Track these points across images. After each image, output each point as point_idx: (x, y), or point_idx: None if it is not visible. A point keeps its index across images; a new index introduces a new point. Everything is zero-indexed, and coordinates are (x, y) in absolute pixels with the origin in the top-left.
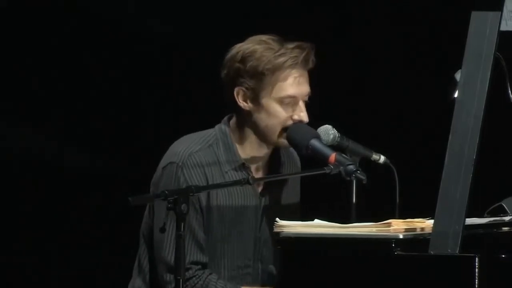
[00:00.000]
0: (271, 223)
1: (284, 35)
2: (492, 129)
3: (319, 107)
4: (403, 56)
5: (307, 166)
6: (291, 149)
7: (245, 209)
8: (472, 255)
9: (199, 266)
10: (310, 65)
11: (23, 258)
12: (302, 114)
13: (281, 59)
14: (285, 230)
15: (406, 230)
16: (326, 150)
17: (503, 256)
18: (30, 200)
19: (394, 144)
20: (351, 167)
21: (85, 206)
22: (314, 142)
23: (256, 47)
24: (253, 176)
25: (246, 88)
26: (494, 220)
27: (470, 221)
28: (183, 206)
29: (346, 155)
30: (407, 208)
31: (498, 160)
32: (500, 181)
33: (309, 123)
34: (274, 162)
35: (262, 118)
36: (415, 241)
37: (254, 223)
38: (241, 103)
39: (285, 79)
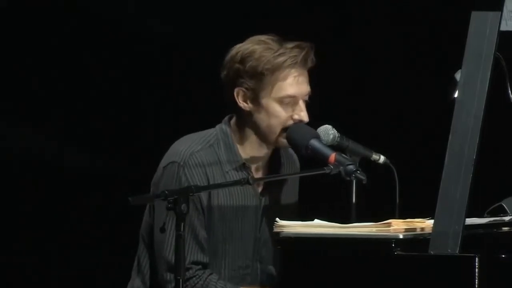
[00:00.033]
0: (271, 223)
1: (284, 35)
2: (492, 129)
3: (319, 107)
4: (403, 56)
5: (307, 166)
6: (290, 150)
7: (246, 209)
8: (472, 255)
9: (200, 266)
10: (310, 64)
11: (23, 258)
12: (302, 114)
13: (281, 59)
14: (285, 230)
15: (406, 230)
16: (326, 150)
17: (503, 256)
18: (30, 200)
19: (394, 144)
20: (351, 167)
21: (85, 206)
22: (314, 142)
23: (256, 47)
24: (253, 176)
25: (246, 89)
26: (494, 220)
27: (470, 221)
28: (183, 206)
29: (346, 155)
30: (407, 208)
31: (498, 160)
32: (500, 181)
33: (309, 123)
34: (274, 162)
35: (262, 118)
36: (415, 241)
37: (254, 223)
38: (241, 103)
39: (285, 78)
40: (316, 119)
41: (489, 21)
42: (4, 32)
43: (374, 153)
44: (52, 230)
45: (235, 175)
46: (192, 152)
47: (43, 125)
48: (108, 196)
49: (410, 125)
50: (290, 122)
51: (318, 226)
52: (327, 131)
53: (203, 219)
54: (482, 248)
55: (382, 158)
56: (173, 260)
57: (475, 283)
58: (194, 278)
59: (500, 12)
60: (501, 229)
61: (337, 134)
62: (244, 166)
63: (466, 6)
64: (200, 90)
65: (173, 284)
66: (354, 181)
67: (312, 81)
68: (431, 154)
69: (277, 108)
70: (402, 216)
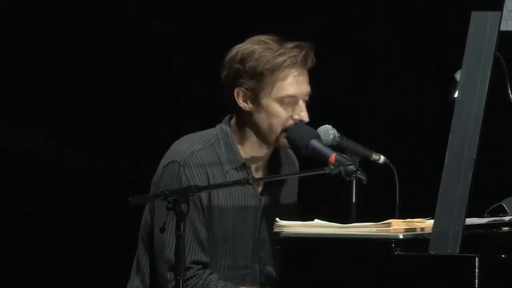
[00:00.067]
0: (270, 223)
1: (284, 35)
2: (492, 129)
3: (319, 107)
4: (403, 56)
5: (307, 166)
6: (289, 150)
7: (246, 209)
8: (472, 255)
9: (200, 266)
10: (310, 64)
11: (23, 258)
12: (302, 114)
13: (280, 59)
14: (285, 230)
15: (406, 230)
16: (326, 150)
17: (503, 256)
18: (30, 200)
19: (394, 144)
20: (351, 167)
21: (85, 206)
22: (314, 142)
23: (255, 47)
24: (253, 176)
25: (246, 89)
26: (494, 220)
27: (470, 221)
28: (183, 206)
29: (346, 155)
30: (407, 208)
31: (498, 160)
32: (500, 181)
33: (309, 123)
34: (274, 162)
35: (262, 119)
36: (415, 241)
37: (253, 224)
38: (242, 103)
39: (285, 78)
40: (316, 119)
41: (489, 21)
42: (4, 32)
43: (374, 153)
44: (52, 230)
45: (235, 175)
46: (193, 152)
47: (43, 125)
48: (108, 196)
49: (410, 125)
50: (290, 122)
51: (318, 226)
52: (327, 131)
53: (203, 218)
54: (482, 248)
55: (382, 158)
56: (173, 260)
57: (475, 283)
58: (194, 278)
59: (500, 12)
60: (501, 229)
61: (337, 134)
62: (244, 166)
63: (466, 6)
64: (200, 90)
65: (173, 284)
66: (354, 181)
67: (312, 81)
68: (431, 154)
69: (277, 108)
70: (402, 216)
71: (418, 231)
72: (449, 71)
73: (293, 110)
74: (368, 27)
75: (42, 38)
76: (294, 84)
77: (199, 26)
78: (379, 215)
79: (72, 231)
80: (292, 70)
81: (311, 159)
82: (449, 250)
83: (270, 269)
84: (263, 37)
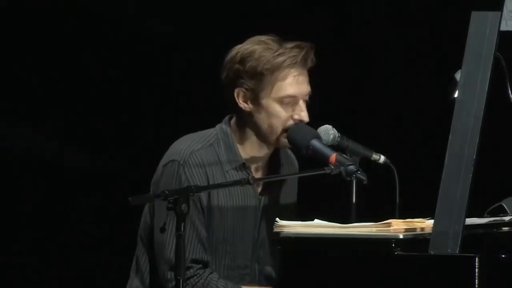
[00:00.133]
0: (270, 223)
1: (284, 35)
2: (492, 129)
3: (319, 107)
4: (403, 56)
5: (307, 166)
6: (288, 150)
7: (245, 209)
8: (472, 255)
9: (200, 265)
10: (310, 64)
11: (23, 258)
12: (302, 114)
13: (280, 59)
14: (285, 230)
15: (406, 230)
16: (327, 150)
17: (503, 256)
18: (30, 200)
19: (394, 144)
20: (352, 167)
21: (85, 206)
22: (315, 142)
23: (255, 47)
24: (253, 176)
25: (246, 89)
26: (494, 220)
27: (470, 221)
28: (183, 206)
29: (346, 155)
30: (407, 208)
31: (498, 160)
32: (500, 181)
33: (309, 123)
34: (273, 162)
35: (262, 119)
36: (415, 241)
37: (253, 224)
38: (242, 104)
39: (284, 78)
40: (316, 119)
41: (489, 21)
42: (4, 32)
43: (374, 153)
44: (52, 230)
45: (235, 175)
46: (192, 151)
47: (43, 125)
48: (108, 196)
49: (410, 125)
50: (291, 122)
51: (318, 226)
52: (327, 131)
53: (203, 218)
54: (482, 248)
55: (382, 158)
56: (174, 260)
57: (475, 283)
58: (195, 277)
59: (500, 12)
60: (501, 229)
61: (337, 134)
62: (244, 166)
63: (466, 6)
64: (200, 90)
65: (174, 283)
66: (354, 181)
67: (312, 81)
68: (431, 154)
69: (277, 108)
70: (402, 216)
71: (418, 231)
72: (449, 71)
73: (293, 110)
74: (368, 27)
75: (42, 38)
76: (294, 84)
77: (199, 26)
78: (379, 215)
79: (72, 231)
80: (292, 70)
81: (311, 159)
82: (449, 250)
83: (269, 269)
84: (263, 37)
